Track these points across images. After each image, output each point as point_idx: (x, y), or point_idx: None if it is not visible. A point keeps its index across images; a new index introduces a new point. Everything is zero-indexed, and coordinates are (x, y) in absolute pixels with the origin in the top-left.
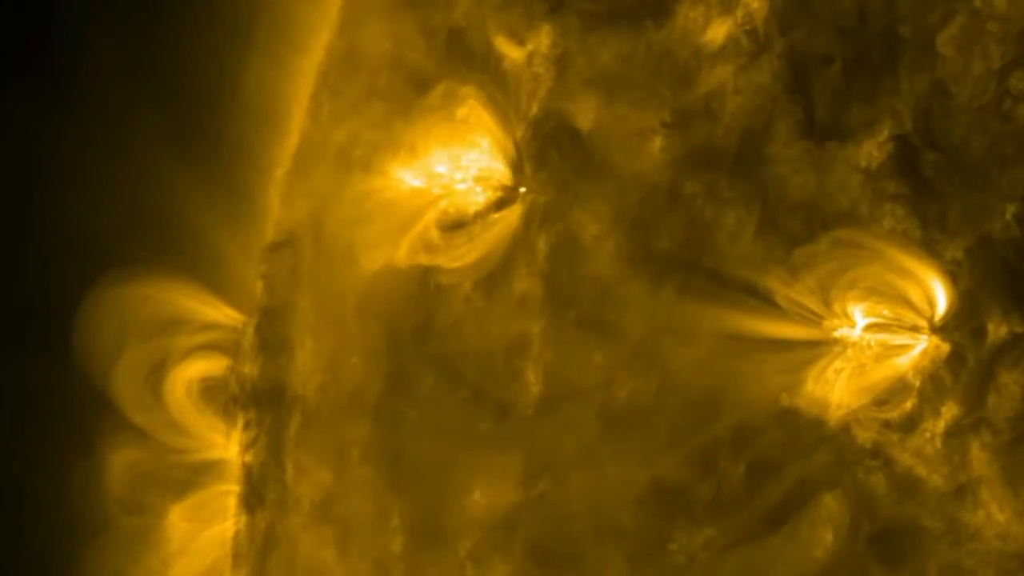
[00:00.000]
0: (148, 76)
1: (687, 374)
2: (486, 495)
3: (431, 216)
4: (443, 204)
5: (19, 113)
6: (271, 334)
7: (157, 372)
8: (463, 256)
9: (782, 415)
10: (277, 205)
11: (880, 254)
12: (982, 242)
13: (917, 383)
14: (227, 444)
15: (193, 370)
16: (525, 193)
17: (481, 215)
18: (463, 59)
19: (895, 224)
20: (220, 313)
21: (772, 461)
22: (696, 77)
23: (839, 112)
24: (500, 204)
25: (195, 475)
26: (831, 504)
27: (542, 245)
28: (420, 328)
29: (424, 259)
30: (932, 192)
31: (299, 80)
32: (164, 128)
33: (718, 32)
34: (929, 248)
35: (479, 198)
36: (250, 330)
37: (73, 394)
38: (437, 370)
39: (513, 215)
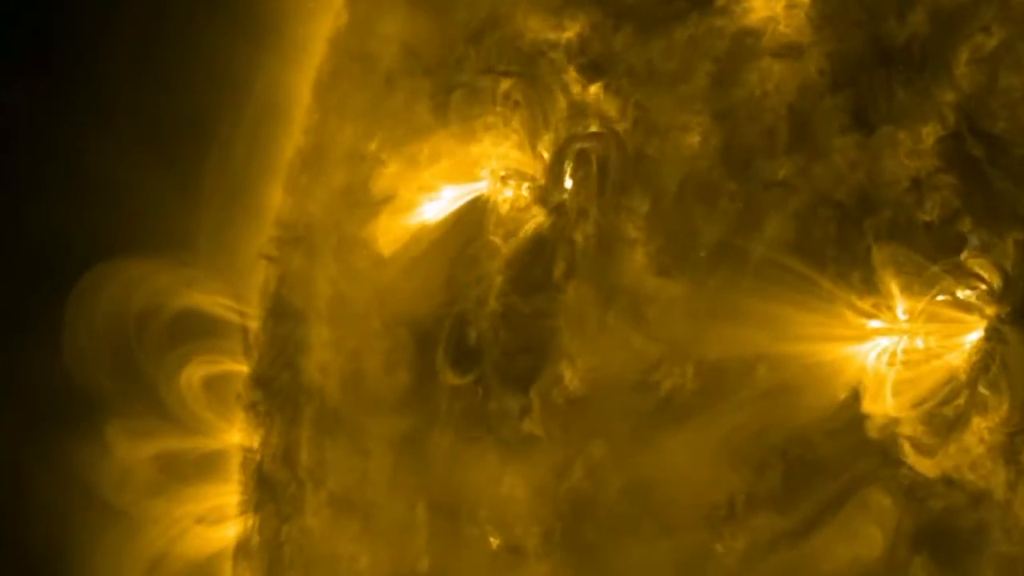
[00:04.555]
0: (156, 72)
1: (730, 370)
2: (517, 488)
3: (458, 213)
4: (471, 201)
5: (23, 107)
6: (284, 329)
7: (165, 366)
8: (495, 253)
9: (830, 412)
10: (288, 201)
11: (929, 248)
12: None
13: (968, 379)
14: (236, 438)
15: (203, 365)
16: (561, 189)
17: (514, 213)
18: (490, 54)
19: (944, 217)
20: (231, 308)
21: (819, 459)
22: (738, 70)
23: (885, 104)
24: (534, 200)
25: (204, 469)
26: (880, 502)
27: (579, 241)
28: (449, 323)
29: (452, 257)
30: (981, 185)
31: (309, 75)
32: (172, 125)
33: (761, 24)
34: (979, 242)
35: (510, 196)
36: (262, 325)
37: (77, 389)
38: (465, 364)
39: (549, 211)
